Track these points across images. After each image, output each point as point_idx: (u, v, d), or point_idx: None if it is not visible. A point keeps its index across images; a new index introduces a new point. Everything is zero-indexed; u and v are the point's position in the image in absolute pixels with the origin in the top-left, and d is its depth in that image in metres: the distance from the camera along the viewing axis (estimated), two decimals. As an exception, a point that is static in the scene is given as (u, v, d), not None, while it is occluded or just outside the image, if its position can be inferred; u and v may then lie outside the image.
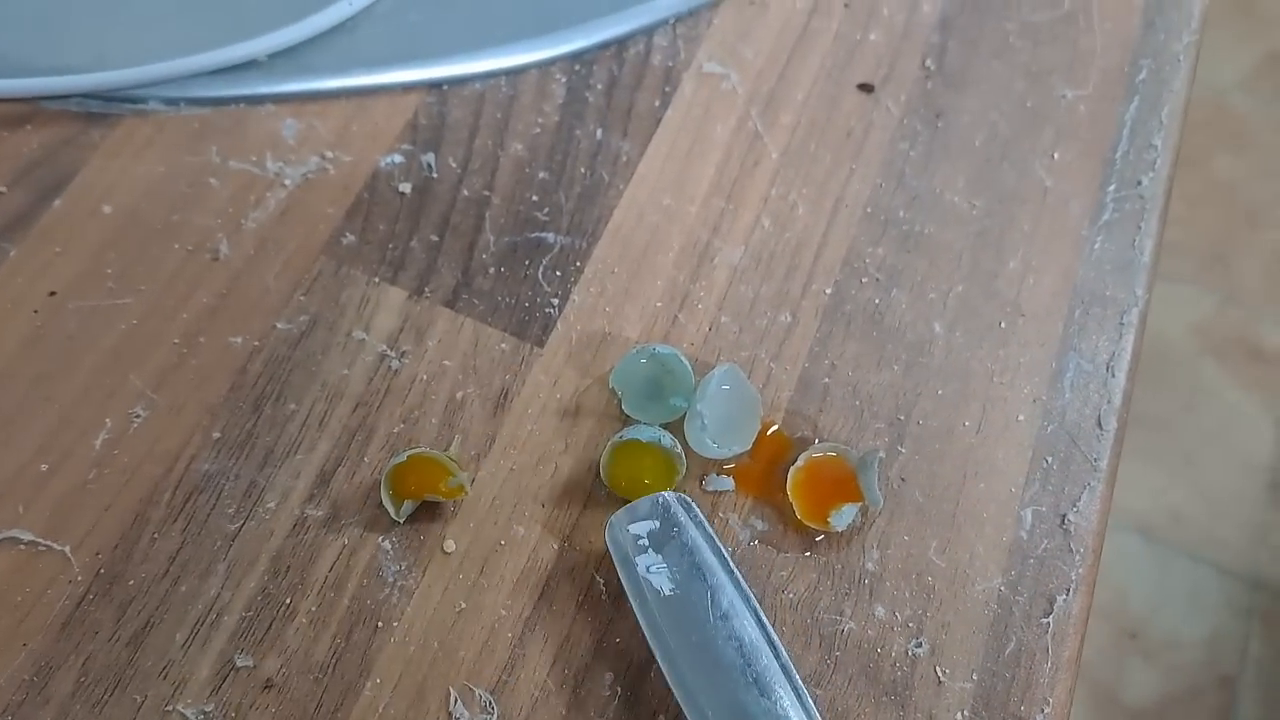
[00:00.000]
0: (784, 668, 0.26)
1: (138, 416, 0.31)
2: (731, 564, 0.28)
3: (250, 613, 0.29)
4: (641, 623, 0.28)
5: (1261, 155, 1.30)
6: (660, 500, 0.29)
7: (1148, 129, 0.39)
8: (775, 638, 0.27)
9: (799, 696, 0.26)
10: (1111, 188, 0.37)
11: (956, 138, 0.38)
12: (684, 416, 0.31)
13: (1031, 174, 0.37)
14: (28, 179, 0.34)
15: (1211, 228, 1.24)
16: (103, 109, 0.35)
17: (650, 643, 0.27)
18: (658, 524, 0.28)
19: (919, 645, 0.29)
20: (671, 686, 0.27)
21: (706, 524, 0.29)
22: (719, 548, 0.28)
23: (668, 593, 0.27)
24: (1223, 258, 1.23)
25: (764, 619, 0.27)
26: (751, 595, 0.28)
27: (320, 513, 0.30)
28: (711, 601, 0.27)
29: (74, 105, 0.35)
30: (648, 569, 0.28)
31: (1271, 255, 1.23)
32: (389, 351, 0.32)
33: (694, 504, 0.29)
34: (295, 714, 0.27)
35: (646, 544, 0.28)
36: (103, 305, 0.32)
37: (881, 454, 0.31)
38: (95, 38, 0.36)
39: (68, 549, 0.29)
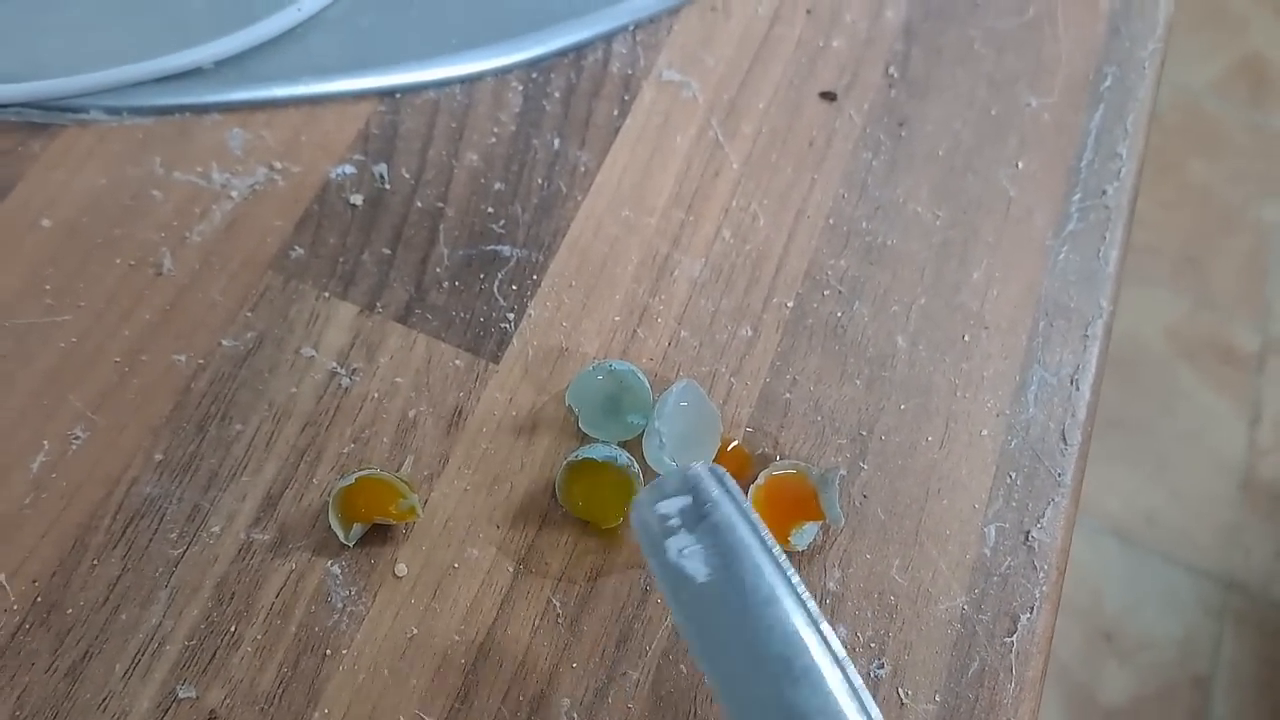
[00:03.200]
0: (836, 659, 0.23)
1: (77, 438, 0.30)
2: (769, 541, 0.24)
3: (193, 641, 0.28)
4: (675, 614, 0.24)
5: (1234, 159, 1.30)
6: (690, 473, 0.25)
7: (1113, 137, 0.38)
8: (824, 626, 0.23)
9: (855, 692, 0.22)
10: (1076, 197, 0.37)
11: (920, 147, 0.37)
12: (642, 434, 0.31)
13: (995, 184, 0.37)
14: (-34, 192, 0.33)
15: (1185, 231, 1.25)
16: (43, 119, 0.34)
17: (686, 637, 0.24)
18: (689, 499, 0.25)
19: (881, 666, 0.29)
20: (711, 686, 0.23)
21: (741, 497, 0.25)
22: (754, 523, 0.24)
23: (703, 579, 0.24)
24: (1196, 261, 1.23)
25: (809, 604, 0.23)
26: (794, 576, 0.24)
27: (267, 537, 0.29)
28: (752, 587, 0.23)
29: (12, 115, 0.34)
30: (680, 553, 0.24)
31: (1244, 258, 1.24)
32: (339, 369, 0.31)
33: (726, 475, 0.25)
34: (239, 746, 0.27)
35: (678, 524, 0.24)
36: (40, 323, 0.31)
37: (843, 471, 0.31)
38: (34, 45, 0.35)
39: (2, 577, 0.28)
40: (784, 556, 0.24)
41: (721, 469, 0.25)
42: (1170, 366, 1.16)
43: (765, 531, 0.24)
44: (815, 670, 0.22)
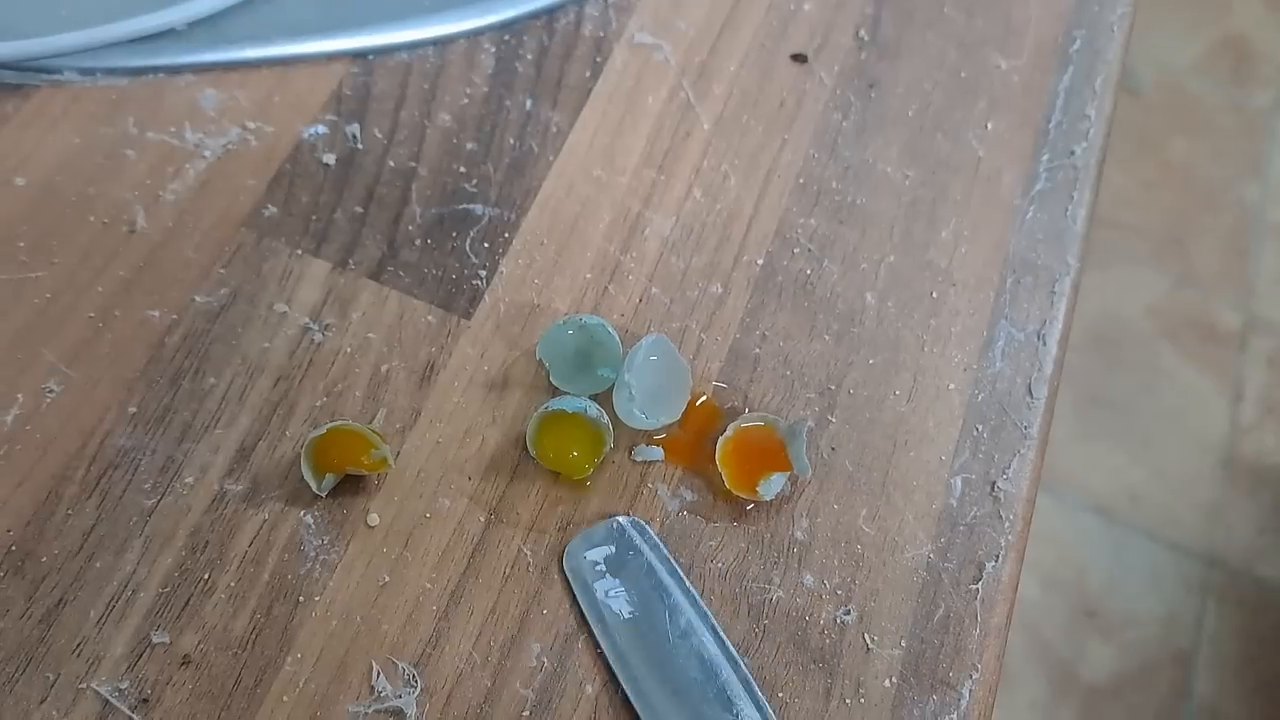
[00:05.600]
0: (744, 680, 0.27)
1: (51, 392, 0.30)
2: (687, 582, 0.29)
3: (167, 589, 0.28)
4: (603, 646, 0.28)
5: (1216, 138, 1.31)
6: (615, 525, 0.29)
7: (1081, 99, 0.39)
8: (734, 651, 0.28)
9: (759, 707, 0.27)
10: (1045, 157, 0.37)
11: (890, 108, 0.38)
12: (612, 387, 0.31)
13: (965, 144, 0.37)
14: (-60, 152, 0.33)
15: (1167, 210, 1.26)
16: (16, 79, 0.34)
17: (612, 665, 0.28)
18: (613, 548, 0.29)
19: (847, 613, 0.29)
20: (635, 707, 0.27)
21: (661, 545, 0.29)
22: (674, 568, 0.29)
23: (627, 616, 0.28)
24: (1179, 240, 1.24)
25: (722, 634, 0.28)
26: (709, 612, 0.28)
27: (240, 487, 0.29)
28: (670, 621, 0.28)
29: (-15, 75, 0.34)
30: (606, 594, 0.28)
31: (1227, 237, 1.24)
32: (312, 324, 0.32)
33: (648, 526, 0.30)
34: (213, 690, 0.27)
35: (604, 569, 0.29)
36: (14, 279, 0.31)
37: (810, 423, 0.31)
38: (7, 6, 0.35)
39: (-23, 527, 0.28)
40: (699, 596, 0.29)
41: (642, 523, 0.30)
42: (1152, 345, 1.17)
43: (682, 574, 0.29)
44: (726, 691, 0.27)
